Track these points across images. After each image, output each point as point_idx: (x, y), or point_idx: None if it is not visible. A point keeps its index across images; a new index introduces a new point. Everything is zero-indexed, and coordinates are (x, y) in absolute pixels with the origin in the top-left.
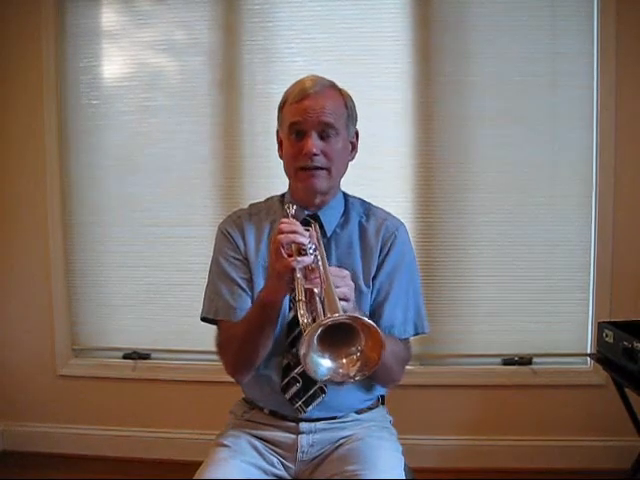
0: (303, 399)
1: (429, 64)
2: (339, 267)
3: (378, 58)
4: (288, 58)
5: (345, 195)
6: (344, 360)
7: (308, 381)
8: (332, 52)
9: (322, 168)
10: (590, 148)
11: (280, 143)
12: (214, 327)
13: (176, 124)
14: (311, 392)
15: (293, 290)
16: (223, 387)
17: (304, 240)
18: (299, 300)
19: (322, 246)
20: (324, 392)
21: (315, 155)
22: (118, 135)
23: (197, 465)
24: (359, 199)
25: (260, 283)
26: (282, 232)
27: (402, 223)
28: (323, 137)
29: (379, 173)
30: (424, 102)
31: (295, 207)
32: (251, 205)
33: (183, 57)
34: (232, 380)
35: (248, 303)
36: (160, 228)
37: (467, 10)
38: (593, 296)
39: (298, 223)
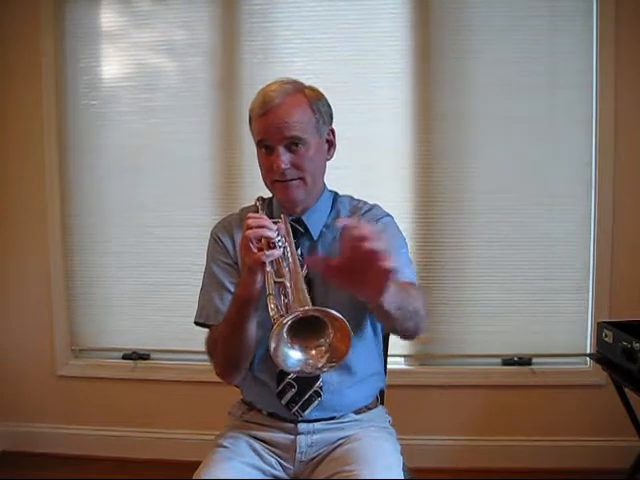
0: (299, 404)
1: (428, 64)
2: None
3: (377, 58)
4: (287, 58)
5: (335, 195)
6: (313, 352)
7: (303, 386)
8: (331, 52)
9: (294, 179)
10: (589, 148)
11: None
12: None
13: (175, 124)
14: (307, 396)
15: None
16: (222, 388)
17: (271, 234)
18: (269, 294)
19: (291, 237)
20: (320, 395)
21: (285, 169)
22: (118, 135)
23: (196, 465)
24: (349, 197)
25: None
26: (250, 227)
27: (390, 215)
28: (291, 149)
29: (377, 173)
30: (423, 102)
31: (282, 216)
32: (242, 209)
33: (183, 57)
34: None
35: None
36: (159, 228)
37: (466, 10)
38: (592, 296)
39: (266, 217)
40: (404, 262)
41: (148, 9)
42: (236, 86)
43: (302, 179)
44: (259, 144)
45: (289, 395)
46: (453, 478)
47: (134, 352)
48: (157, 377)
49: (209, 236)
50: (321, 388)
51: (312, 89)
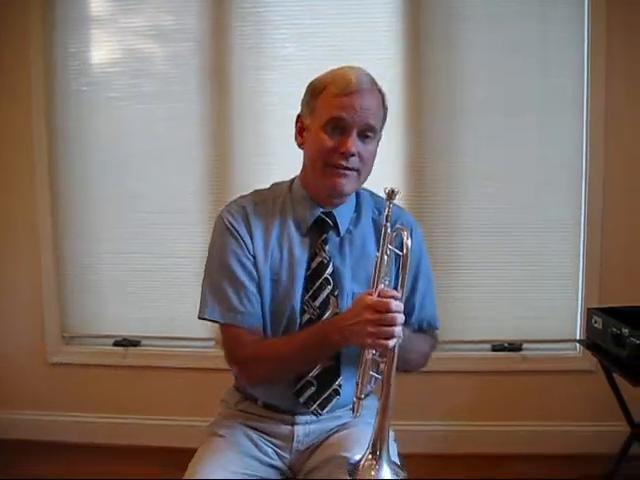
0: (318, 402)
1: (419, 51)
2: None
3: (368, 44)
4: (278, 44)
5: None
6: None
7: (323, 384)
8: (322, 38)
9: (354, 169)
10: (580, 136)
11: (301, 129)
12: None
13: (165, 110)
14: (326, 395)
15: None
16: (214, 374)
17: (400, 330)
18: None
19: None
20: (338, 394)
21: (352, 156)
22: (108, 121)
23: (189, 452)
24: (368, 191)
25: (266, 283)
26: (389, 311)
27: (413, 218)
28: (361, 138)
29: None
30: (414, 89)
31: None
32: (255, 192)
33: (172, 43)
34: (223, 367)
35: (257, 308)
36: (150, 215)
37: None
38: (582, 283)
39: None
40: (428, 294)
41: None
42: (226, 72)
43: (358, 172)
44: (329, 121)
45: (308, 393)
46: (445, 464)
47: (125, 339)
48: (148, 364)
49: (218, 220)
50: (340, 386)
51: (379, 86)
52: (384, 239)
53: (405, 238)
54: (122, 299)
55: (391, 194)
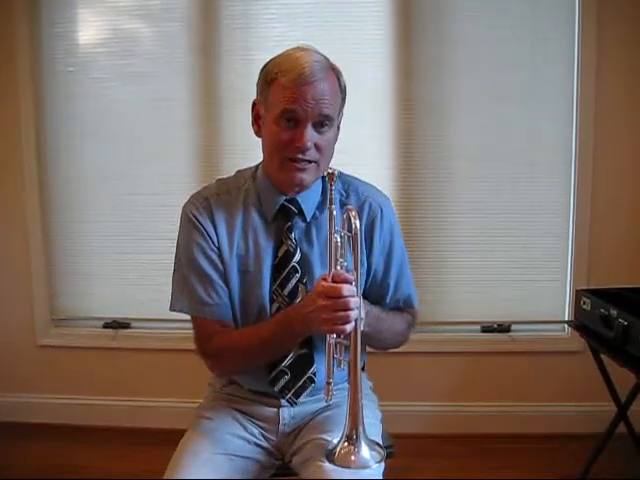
0: (293, 390)
1: (410, 30)
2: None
3: (358, 24)
4: (267, 24)
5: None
6: None
7: (297, 372)
8: (312, 18)
9: (312, 161)
10: (570, 119)
11: (257, 116)
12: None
13: (153, 91)
14: (301, 383)
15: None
16: None
17: (357, 313)
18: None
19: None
20: (313, 382)
21: (309, 148)
22: (95, 102)
23: (179, 433)
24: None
25: (234, 274)
26: (341, 296)
27: (386, 197)
28: (317, 128)
29: (358, 141)
30: (405, 70)
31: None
32: (218, 181)
33: (161, 22)
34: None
35: (225, 299)
36: (138, 197)
37: None
38: (571, 264)
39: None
40: (403, 273)
41: None
42: (215, 52)
43: (317, 163)
44: (282, 114)
45: (282, 382)
46: (434, 444)
47: (114, 321)
48: (138, 346)
49: (182, 213)
50: (315, 374)
51: (334, 64)
52: (330, 222)
53: (353, 219)
54: (111, 281)
55: (332, 176)
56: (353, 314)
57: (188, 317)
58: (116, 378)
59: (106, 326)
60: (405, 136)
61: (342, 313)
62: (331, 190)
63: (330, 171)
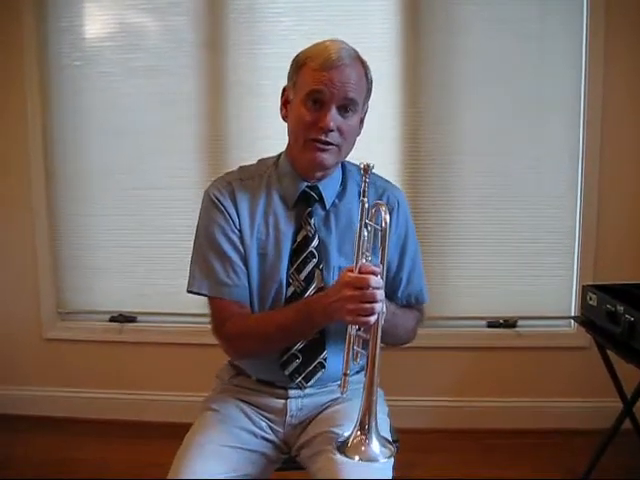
0: (303, 375)
1: (418, 23)
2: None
3: (366, 18)
4: (274, 18)
5: (342, 162)
6: None
7: (308, 356)
8: (319, 12)
9: (334, 144)
10: (577, 112)
11: (286, 102)
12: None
13: (160, 85)
14: (311, 367)
15: None
16: (209, 349)
17: (381, 306)
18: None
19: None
20: (324, 367)
21: (331, 131)
22: (101, 96)
23: (184, 426)
24: (356, 165)
25: (253, 257)
26: (368, 287)
27: (401, 191)
28: (342, 112)
29: (365, 134)
30: (413, 63)
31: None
32: (241, 168)
33: (167, 16)
34: (218, 343)
35: (244, 281)
36: (145, 190)
37: None
38: (578, 260)
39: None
40: (415, 267)
41: None
42: (221, 46)
43: (339, 147)
44: (309, 95)
45: (293, 366)
46: (439, 439)
47: (121, 314)
48: (144, 339)
49: (205, 196)
50: (325, 359)
51: (362, 57)
52: (362, 214)
53: (383, 213)
54: (118, 275)
55: (367, 169)
56: (378, 306)
57: (195, 311)
58: (122, 372)
59: (112, 320)
60: (412, 131)
61: (368, 305)
62: (366, 182)
63: (366, 164)
